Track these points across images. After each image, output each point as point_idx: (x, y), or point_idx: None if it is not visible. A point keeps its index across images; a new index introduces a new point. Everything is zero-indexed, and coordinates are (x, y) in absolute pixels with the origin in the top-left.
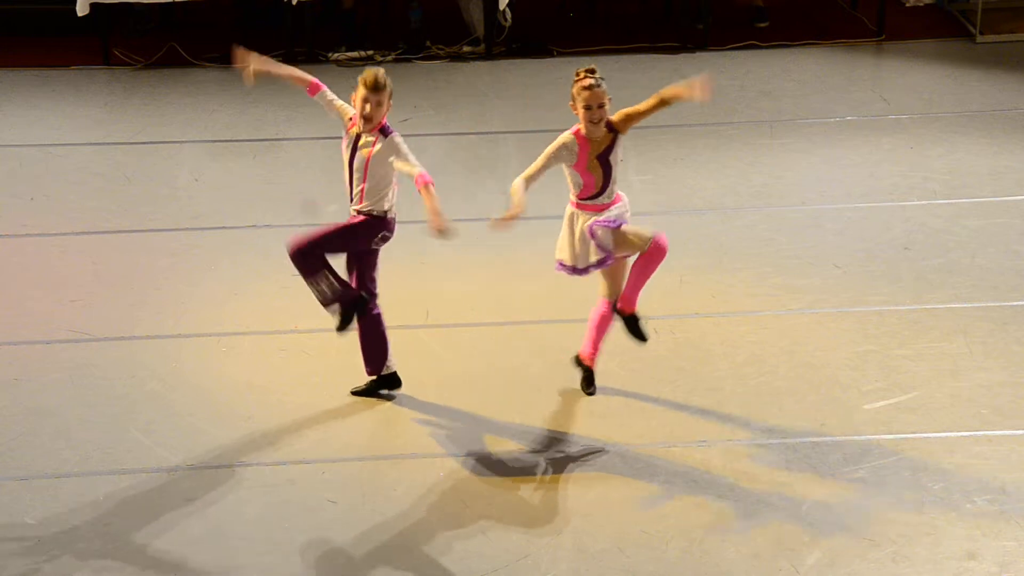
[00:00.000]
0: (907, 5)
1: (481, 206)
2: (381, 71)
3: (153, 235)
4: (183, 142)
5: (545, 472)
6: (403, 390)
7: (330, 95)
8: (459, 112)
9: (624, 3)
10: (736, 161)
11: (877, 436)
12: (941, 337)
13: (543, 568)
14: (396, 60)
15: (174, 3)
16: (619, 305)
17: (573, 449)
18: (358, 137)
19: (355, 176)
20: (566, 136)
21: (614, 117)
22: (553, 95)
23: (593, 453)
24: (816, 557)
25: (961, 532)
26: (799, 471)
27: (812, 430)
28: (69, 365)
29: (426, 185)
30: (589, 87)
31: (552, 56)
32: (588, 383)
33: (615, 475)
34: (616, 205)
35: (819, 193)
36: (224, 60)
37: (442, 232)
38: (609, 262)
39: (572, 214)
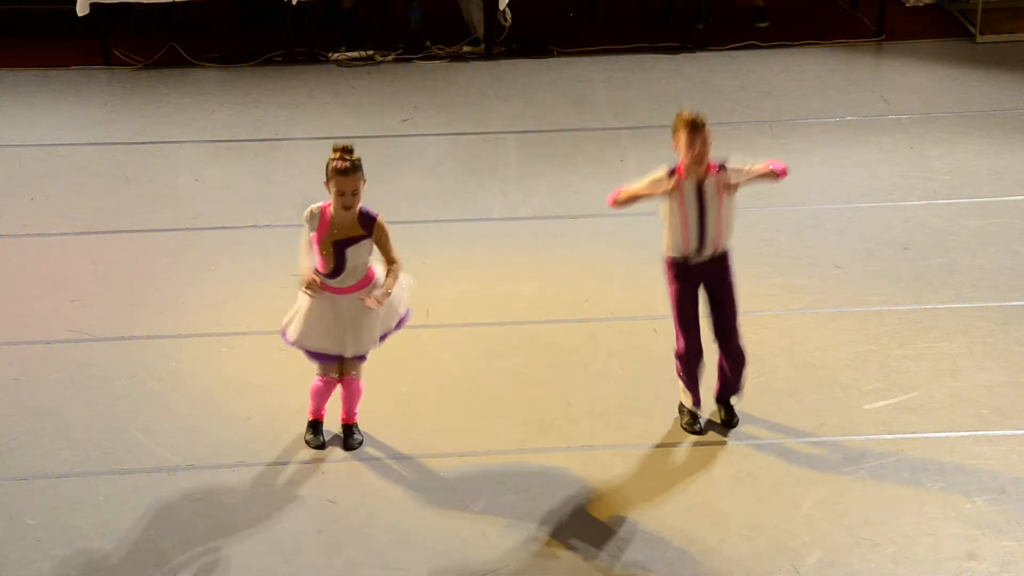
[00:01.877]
0: (907, 5)
1: (481, 206)
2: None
3: (153, 235)
4: (183, 142)
5: (546, 472)
6: (403, 390)
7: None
8: (459, 112)
9: (624, 3)
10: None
11: (877, 436)
12: (941, 337)
13: (543, 568)
14: (396, 60)
15: (174, 3)
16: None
17: (573, 449)
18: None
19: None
20: (313, 207)
21: (379, 221)
22: (553, 95)
23: (593, 453)
24: (816, 557)
25: (961, 532)
26: (799, 471)
27: (812, 430)
28: (69, 365)
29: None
30: (343, 171)
31: (552, 56)
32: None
33: (615, 475)
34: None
35: (819, 193)
36: (224, 60)
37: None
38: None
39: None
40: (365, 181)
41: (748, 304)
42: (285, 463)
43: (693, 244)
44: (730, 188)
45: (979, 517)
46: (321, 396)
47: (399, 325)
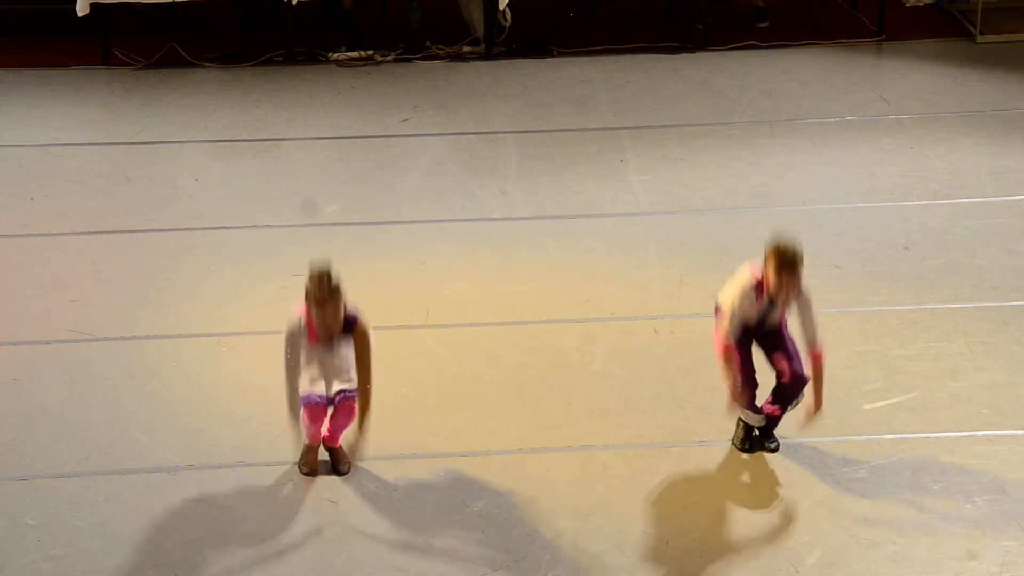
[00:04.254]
0: (907, 5)
1: (481, 206)
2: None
3: (153, 235)
4: (183, 142)
5: (545, 472)
6: (403, 390)
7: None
8: (459, 112)
9: (624, 3)
10: (736, 161)
11: (877, 436)
12: (941, 337)
13: (543, 568)
14: (396, 60)
15: (174, 3)
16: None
17: (573, 450)
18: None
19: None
20: (293, 318)
21: (360, 326)
22: (553, 95)
23: (593, 453)
24: (816, 557)
25: (961, 532)
26: (799, 471)
27: (812, 430)
28: (69, 365)
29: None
30: (321, 303)
31: (552, 56)
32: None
33: (616, 475)
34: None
35: (819, 193)
36: (224, 60)
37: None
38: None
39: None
40: (343, 297)
41: None
42: (285, 463)
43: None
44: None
45: (979, 517)
46: (307, 424)
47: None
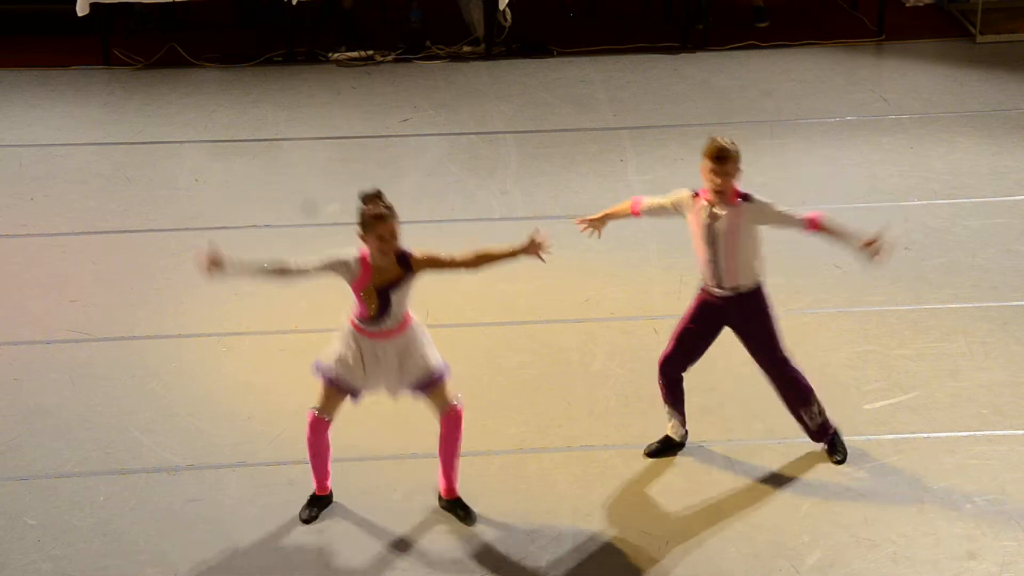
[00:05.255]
0: (907, 5)
1: (481, 206)
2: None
3: (153, 235)
4: (183, 142)
5: (545, 472)
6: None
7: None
8: (459, 112)
9: (624, 3)
10: None
11: (877, 436)
12: (941, 337)
13: (543, 568)
14: (396, 60)
15: (174, 3)
16: (442, 492)
17: (573, 450)
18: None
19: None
20: (347, 258)
21: (416, 253)
22: (553, 95)
23: (593, 453)
24: (816, 557)
25: (961, 532)
26: (799, 471)
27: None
28: (69, 365)
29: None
30: (383, 217)
31: (552, 56)
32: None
33: (615, 475)
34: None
35: (819, 193)
36: (224, 60)
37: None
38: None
39: (353, 334)
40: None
41: None
42: (285, 463)
43: (708, 276)
44: (747, 223)
45: (979, 517)
46: (316, 444)
47: (434, 382)
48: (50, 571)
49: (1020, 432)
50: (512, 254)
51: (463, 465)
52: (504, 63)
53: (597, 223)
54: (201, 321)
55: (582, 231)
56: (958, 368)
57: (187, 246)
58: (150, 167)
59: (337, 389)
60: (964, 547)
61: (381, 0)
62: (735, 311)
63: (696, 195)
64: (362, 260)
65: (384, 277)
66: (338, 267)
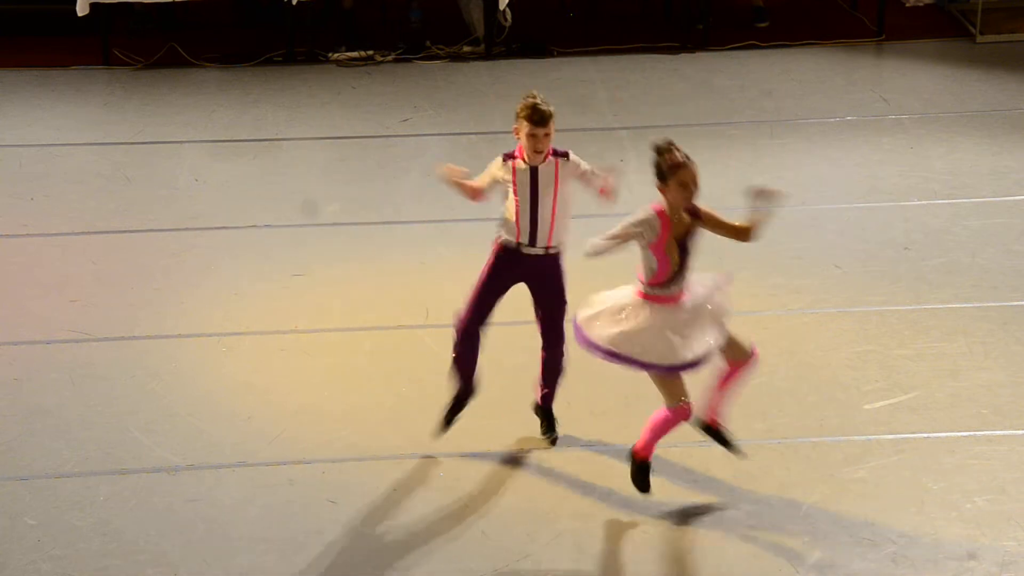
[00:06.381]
0: (907, 5)
1: (481, 206)
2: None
3: (153, 235)
4: (183, 142)
5: (545, 472)
6: (403, 390)
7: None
8: (459, 112)
9: (624, 3)
10: (736, 161)
11: (877, 436)
12: (941, 337)
13: (543, 568)
14: (396, 60)
15: (174, 3)
16: (708, 418)
17: (573, 449)
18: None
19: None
20: (647, 217)
21: (702, 208)
22: (553, 95)
23: (593, 453)
24: (816, 557)
25: (961, 532)
26: (799, 471)
27: (812, 430)
28: (69, 365)
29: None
30: (684, 165)
31: (552, 56)
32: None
33: (615, 475)
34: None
35: (819, 193)
36: (224, 60)
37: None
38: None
39: (642, 304)
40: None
41: (748, 304)
42: (285, 463)
43: (524, 233)
44: (566, 179)
45: (979, 517)
46: (662, 429)
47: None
48: (50, 571)
49: (1020, 432)
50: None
51: (463, 464)
52: (504, 63)
53: (458, 176)
54: (201, 321)
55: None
56: (958, 368)
57: (187, 246)
58: (150, 167)
59: (675, 373)
60: (964, 547)
61: (381, 0)
62: (537, 269)
63: (508, 157)
64: (659, 215)
65: (680, 228)
66: (643, 228)
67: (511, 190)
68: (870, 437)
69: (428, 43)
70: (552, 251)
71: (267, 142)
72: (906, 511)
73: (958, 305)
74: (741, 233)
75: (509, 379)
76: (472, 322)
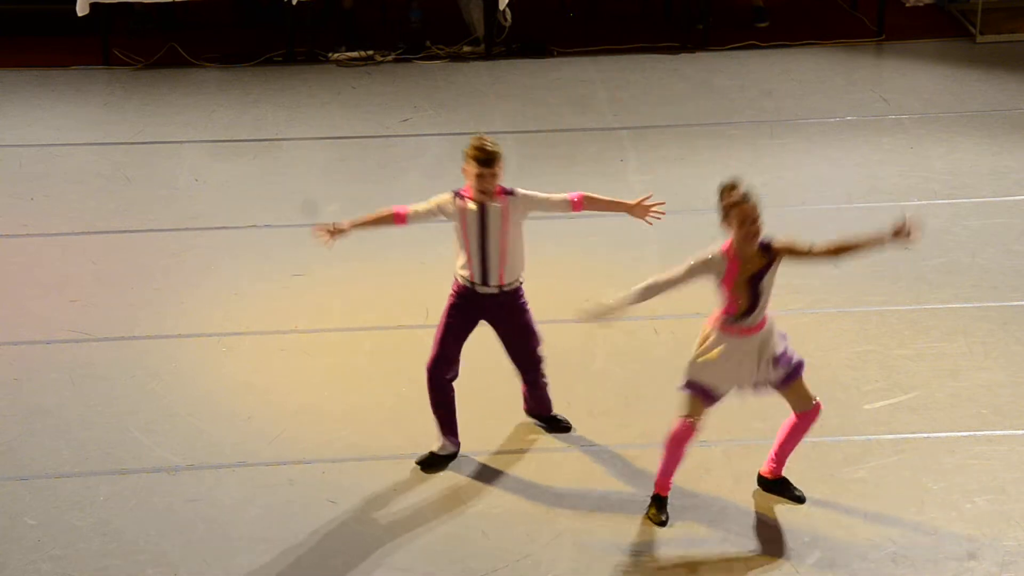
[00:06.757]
0: (907, 5)
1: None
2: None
3: (153, 235)
4: (183, 142)
5: (545, 472)
6: (403, 390)
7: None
8: (459, 112)
9: (624, 3)
10: (736, 161)
11: (877, 436)
12: (941, 337)
13: (543, 568)
14: (396, 60)
15: (174, 3)
16: (767, 471)
17: (574, 449)
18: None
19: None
20: (711, 256)
21: (776, 242)
22: (553, 95)
23: (593, 453)
24: (816, 557)
25: (961, 532)
26: (799, 471)
27: (812, 430)
28: (69, 365)
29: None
30: (747, 200)
31: (552, 56)
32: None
33: (615, 475)
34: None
35: (819, 193)
36: (224, 60)
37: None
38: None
39: (720, 335)
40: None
41: None
42: (285, 463)
43: (476, 274)
44: (516, 218)
45: (979, 517)
46: (679, 447)
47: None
48: (50, 571)
49: (1020, 432)
50: (877, 242)
51: (464, 464)
52: (504, 63)
53: (338, 234)
54: (201, 321)
55: (323, 243)
56: (958, 368)
57: (187, 246)
58: (150, 167)
59: (712, 400)
60: (964, 547)
61: (381, 0)
62: (496, 307)
63: (458, 195)
64: (726, 253)
65: (750, 267)
66: (708, 266)
67: (460, 230)
68: (870, 437)
69: (428, 43)
70: (507, 288)
71: (267, 142)
72: (906, 511)
73: (958, 305)
74: (830, 254)
75: (509, 379)
76: (437, 366)
